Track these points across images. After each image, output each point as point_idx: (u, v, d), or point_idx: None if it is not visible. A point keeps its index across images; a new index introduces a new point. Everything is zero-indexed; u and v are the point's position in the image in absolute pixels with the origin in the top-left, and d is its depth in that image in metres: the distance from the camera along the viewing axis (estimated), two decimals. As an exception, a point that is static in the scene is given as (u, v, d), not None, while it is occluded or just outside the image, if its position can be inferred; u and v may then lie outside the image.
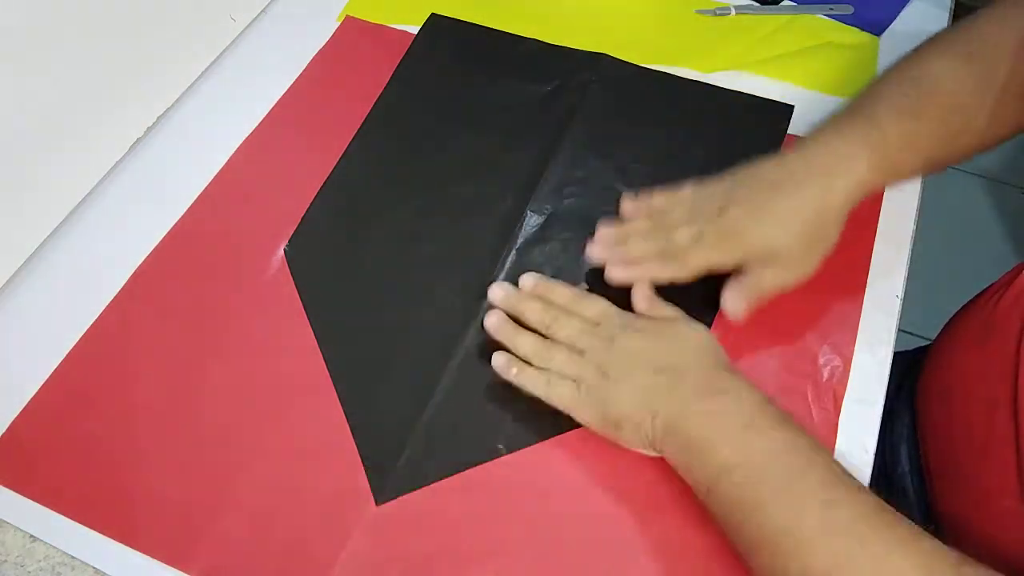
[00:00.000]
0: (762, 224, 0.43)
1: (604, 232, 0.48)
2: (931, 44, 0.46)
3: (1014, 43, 0.44)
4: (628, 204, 0.49)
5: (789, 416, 0.40)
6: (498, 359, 0.45)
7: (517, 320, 0.46)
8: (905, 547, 0.33)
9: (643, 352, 0.43)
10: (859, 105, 0.45)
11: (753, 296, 0.44)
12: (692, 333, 0.44)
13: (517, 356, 0.45)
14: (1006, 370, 0.45)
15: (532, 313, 0.46)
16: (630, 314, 0.45)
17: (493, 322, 0.46)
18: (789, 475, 0.36)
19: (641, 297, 0.46)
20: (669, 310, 0.46)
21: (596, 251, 0.47)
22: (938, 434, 0.51)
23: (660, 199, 0.48)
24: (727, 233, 0.44)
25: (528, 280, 0.47)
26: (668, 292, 0.46)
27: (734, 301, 0.44)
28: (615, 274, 0.46)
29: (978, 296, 0.54)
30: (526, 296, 0.46)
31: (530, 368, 0.44)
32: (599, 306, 0.45)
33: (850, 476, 0.37)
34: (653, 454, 0.42)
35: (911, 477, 0.54)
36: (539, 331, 0.45)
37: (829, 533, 0.34)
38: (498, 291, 0.47)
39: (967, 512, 0.48)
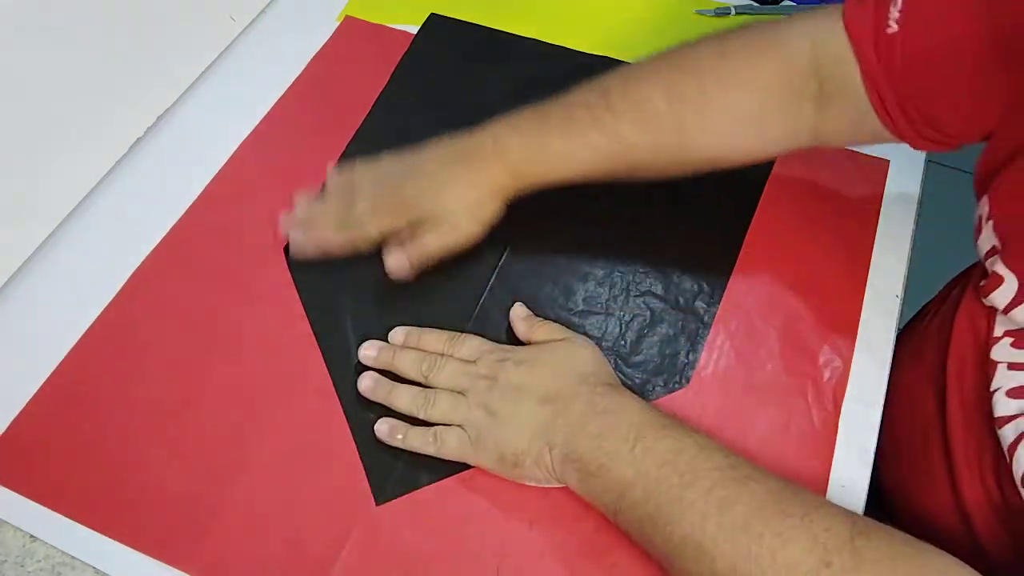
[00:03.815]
0: (429, 193, 0.47)
1: (298, 201, 0.52)
2: (648, 59, 0.46)
3: (712, 62, 0.44)
4: (330, 169, 0.53)
5: (674, 420, 0.40)
6: (381, 427, 0.44)
7: (396, 375, 0.46)
8: (798, 533, 0.34)
9: (526, 384, 0.42)
10: (548, 102, 0.47)
11: (417, 256, 0.48)
12: (574, 353, 0.44)
13: (399, 413, 0.44)
14: (936, 390, 0.46)
15: (407, 364, 0.45)
16: (507, 347, 0.45)
17: (367, 385, 0.45)
18: (682, 483, 0.36)
19: (519, 319, 0.47)
20: (549, 330, 0.46)
21: (283, 221, 0.51)
22: (886, 456, 0.51)
23: (358, 171, 0.51)
24: (398, 202, 0.48)
25: (398, 333, 0.47)
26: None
27: (399, 263, 0.48)
28: (295, 240, 0.50)
29: (917, 314, 0.54)
30: (399, 349, 0.46)
31: (414, 429, 0.44)
32: (474, 344, 0.46)
33: (741, 464, 0.38)
34: (557, 485, 0.42)
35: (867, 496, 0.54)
36: (418, 381, 0.45)
37: (727, 535, 0.35)
38: (368, 350, 0.47)
39: (921, 532, 0.48)
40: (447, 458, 0.43)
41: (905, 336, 0.53)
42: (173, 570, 0.41)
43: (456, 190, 0.47)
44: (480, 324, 0.49)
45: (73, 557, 0.42)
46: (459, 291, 0.50)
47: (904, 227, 0.52)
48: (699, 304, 0.49)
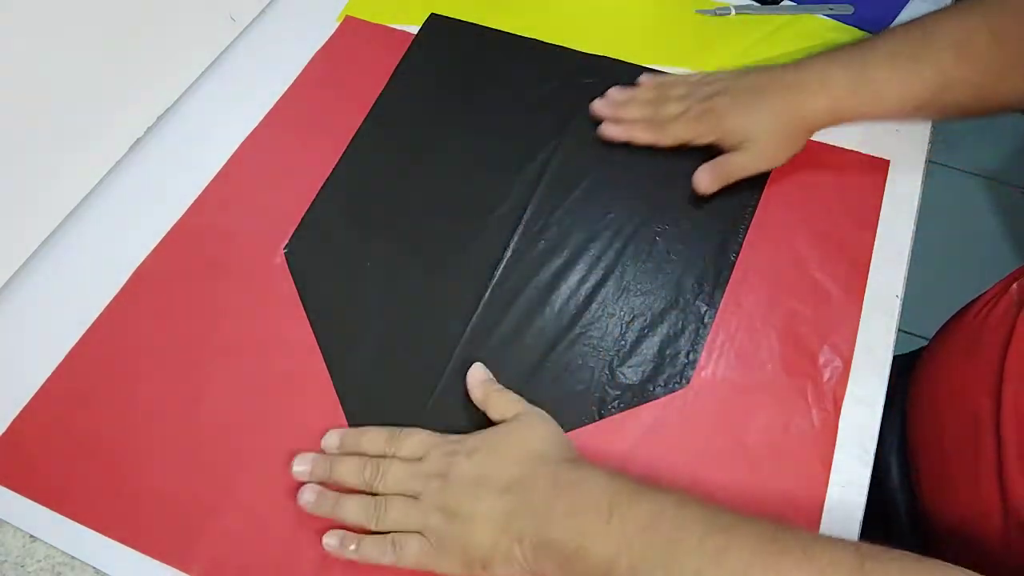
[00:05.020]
0: (741, 115, 0.50)
1: (612, 92, 0.55)
2: (957, 3, 0.48)
3: None
4: (645, 77, 0.56)
5: (645, 483, 0.38)
6: (330, 540, 0.40)
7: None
8: (803, 571, 0.32)
9: (481, 476, 0.39)
10: (866, 39, 0.48)
11: (720, 176, 0.51)
12: (528, 433, 0.41)
13: (348, 527, 0.41)
14: (991, 385, 0.45)
15: (346, 473, 0.41)
16: (454, 437, 0.42)
17: (307, 499, 0.41)
18: (669, 543, 0.35)
19: (477, 384, 0.44)
20: (504, 403, 0.43)
21: (598, 105, 0.55)
22: (929, 448, 0.51)
23: (671, 78, 0.55)
24: (709, 114, 0.50)
25: (332, 439, 0.43)
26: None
27: (703, 178, 0.51)
28: (605, 131, 0.54)
29: (970, 305, 0.53)
30: (336, 458, 0.42)
31: (368, 538, 0.40)
32: (417, 439, 0.42)
33: (725, 514, 0.36)
34: None
35: (901, 492, 0.53)
36: (364, 491, 0.41)
37: None
38: (301, 466, 0.42)
39: (957, 529, 0.47)
40: (408, 568, 0.39)
41: (954, 328, 0.53)
42: (173, 570, 0.41)
43: (771, 117, 0.49)
44: (481, 324, 0.49)
45: (73, 557, 0.42)
46: (460, 291, 0.50)
47: (904, 227, 0.52)
48: (699, 304, 0.49)
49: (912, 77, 0.46)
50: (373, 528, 0.40)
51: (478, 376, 0.45)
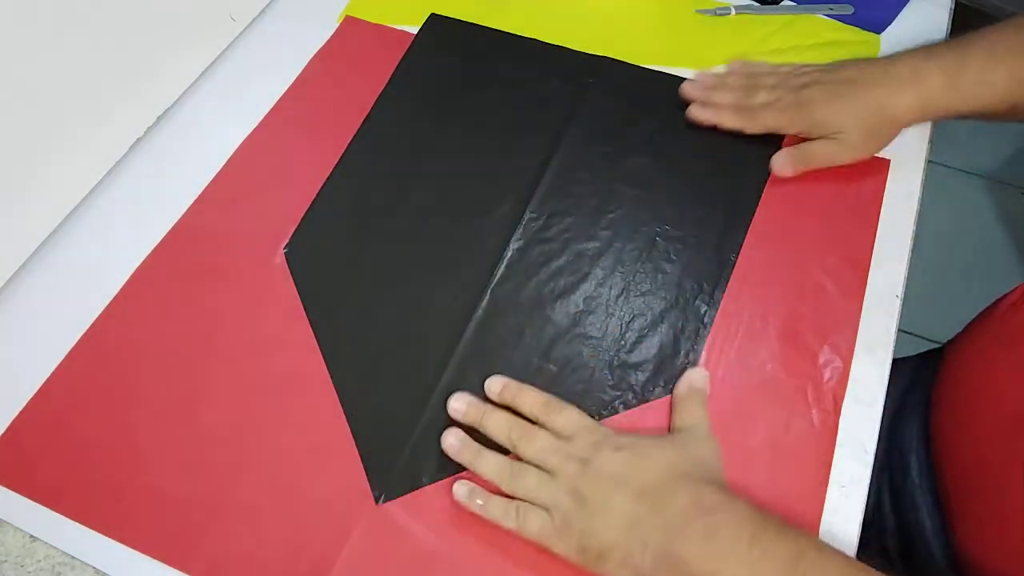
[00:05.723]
0: (831, 107, 0.50)
1: (702, 76, 0.56)
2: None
3: None
4: (735, 62, 0.57)
5: (784, 521, 0.38)
6: (459, 489, 0.42)
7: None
8: None
9: (622, 474, 0.39)
10: (962, 36, 0.49)
11: (802, 161, 0.51)
12: (683, 450, 0.41)
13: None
14: None
15: (496, 427, 0.42)
16: (607, 429, 0.42)
17: (451, 443, 0.43)
18: None
19: (688, 384, 0.45)
20: (683, 417, 0.43)
21: (688, 88, 0.55)
22: (954, 452, 0.50)
23: (762, 66, 0.55)
24: (800, 104, 0.51)
25: (495, 384, 0.44)
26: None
27: (783, 161, 0.52)
28: (693, 113, 0.54)
29: (997, 303, 0.53)
30: (489, 409, 0.43)
31: (496, 498, 0.41)
32: (571, 416, 0.42)
33: (866, 570, 0.36)
34: None
35: (923, 493, 0.53)
36: (506, 448, 0.42)
37: None
38: (459, 404, 0.44)
39: (984, 535, 0.46)
40: (525, 537, 0.40)
41: (981, 328, 0.53)
42: (173, 570, 0.41)
43: (861, 111, 0.49)
44: (481, 324, 0.49)
45: (73, 557, 0.42)
46: (460, 291, 0.50)
47: (904, 227, 0.52)
48: (699, 304, 0.49)
49: (1005, 77, 0.47)
50: (504, 489, 0.41)
51: (698, 381, 0.45)
